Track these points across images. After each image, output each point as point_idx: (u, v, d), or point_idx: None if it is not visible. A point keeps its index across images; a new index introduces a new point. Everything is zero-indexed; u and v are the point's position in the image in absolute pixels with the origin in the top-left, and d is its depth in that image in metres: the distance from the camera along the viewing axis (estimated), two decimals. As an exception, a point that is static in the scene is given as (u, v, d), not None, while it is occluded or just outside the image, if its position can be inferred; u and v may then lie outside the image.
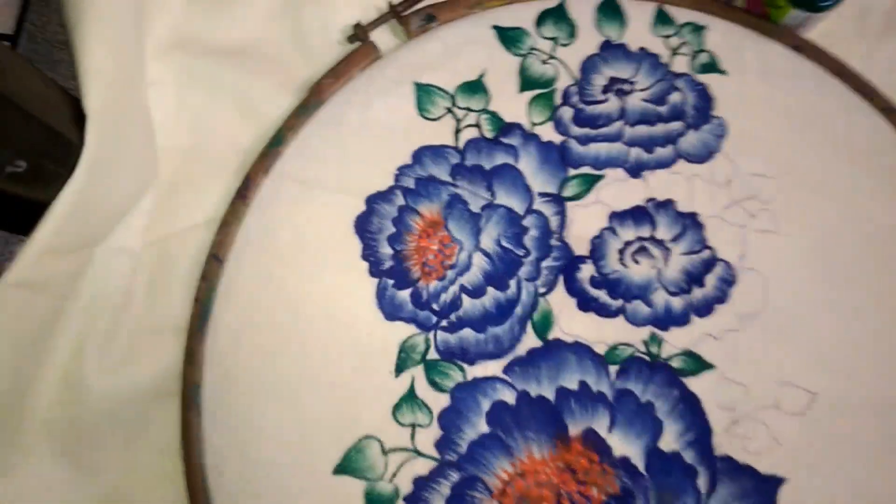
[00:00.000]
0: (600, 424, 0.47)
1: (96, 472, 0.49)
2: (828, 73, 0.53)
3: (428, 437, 0.48)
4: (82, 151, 0.46)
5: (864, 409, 0.47)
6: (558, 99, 0.53)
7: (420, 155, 0.52)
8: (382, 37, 0.55)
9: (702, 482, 0.46)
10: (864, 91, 0.53)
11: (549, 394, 0.48)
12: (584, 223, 0.51)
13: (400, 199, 0.52)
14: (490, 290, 0.50)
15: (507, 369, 0.49)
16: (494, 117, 0.53)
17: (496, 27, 0.54)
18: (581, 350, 0.49)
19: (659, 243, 0.51)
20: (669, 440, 0.47)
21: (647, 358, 0.49)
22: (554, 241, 0.51)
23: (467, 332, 0.50)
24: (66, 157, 0.45)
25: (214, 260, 0.51)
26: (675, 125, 0.53)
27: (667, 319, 0.49)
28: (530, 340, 0.49)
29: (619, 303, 0.50)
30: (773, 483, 0.46)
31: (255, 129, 0.55)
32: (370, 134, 0.53)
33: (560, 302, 0.50)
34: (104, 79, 0.47)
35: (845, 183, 0.51)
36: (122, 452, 0.50)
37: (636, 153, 0.52)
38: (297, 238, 0.51)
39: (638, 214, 0.51)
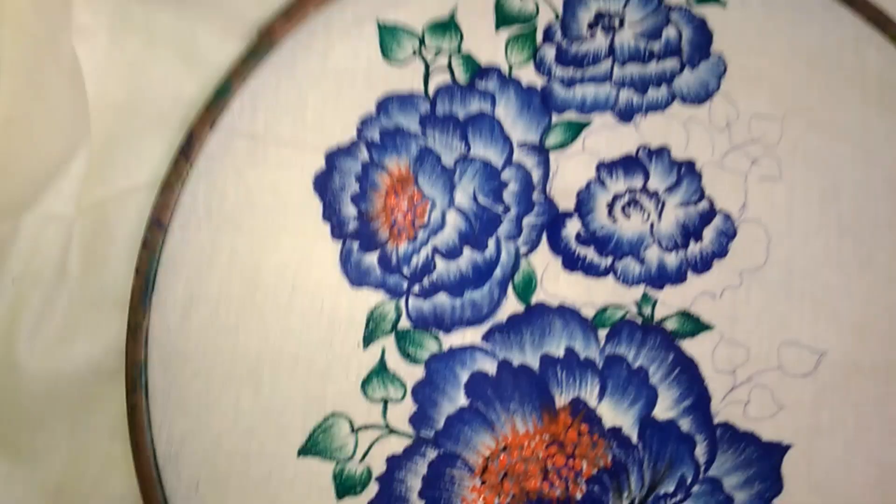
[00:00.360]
0: (589, 393, 0.51)
1: (39, 461, 0.53)
2: (836, 2, 0.56)
3: (401, 413, 0.52)
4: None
5: (875, 368, 0.51)
6: (539, 37, 0.56)
7: (385, 104, 0.55)
8: (339, -30, 0.56)
9: (700, 451, 0.50)
10: (877, 20, 0.55)
11: (533, 362, 0.52)
12: (569, 175, 0.54)
13: (364, 154, 0.54)
14: (466, 250, 0.53)
15: (487, 337, 0.52)
16: (468, 59, 0.55)
17: (468, -43, 0.55)
18: (567, 314, 0.52)
19: (652, 195, 0.54)
20: (664, 408, 0.51)
21: (639, 320, 0.52)
22: (536, 196, 0.54)
23: (442, 298, 0.53)
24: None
25: (156, 226, 0.53)
26: (670, 63, 0.55)
27: (661, 277, 0.53)
28: (511, 305, 0.53)
29: (608, 261, 0.53)
30: (778, 450, 0.50)
31: (199, 79, 0.57)
32: (329, 81, 0.55)
33: (544, 262, 0.53)
34: (21, 27, 0.49)
35: (856, 123, 0.54)
36: (68, 439, 0.53)
37: (626, 95, 0.55)
38: (250, 199, 0.54)
39: (628, 163, 0.54)
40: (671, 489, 0.50)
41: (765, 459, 0.50)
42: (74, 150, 0.56)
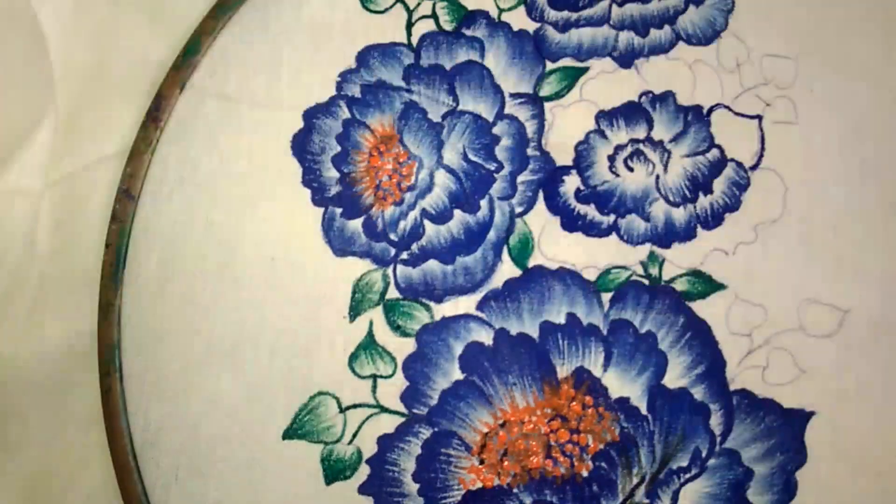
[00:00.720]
0: (593, 362, 0.47)
1: (13, 451, 0.51)
2: (855, -73, 0.52)
3: (392, 390, 0.48)
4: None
5: None
6: None
7: (366, 56, 0.51)
8: (311, -86, 0.53)
9: (715, 421, 0.46)
10: (900, -54, 0.52)
11: (532, 331, 0.48)
12: (566, 127, 0.50)
13: (344, 112, 0.51)
14: (457, 213, 0.50)
15: (482, 305, 0.48)
16: (453, 4, 0.51)
17: None
18: (568, 277, 0.48)
19: (657, 145, 0.49)
20: (675, 375, 0.47)
21: (646, 281, 0.48)
22: (531, 151, 0.50)
23: (432, 265, 0.49)
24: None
25: (126, 197, 0.50)
26: (672, 0, 0.51)
27: (668, 235, 0.48)
28: (507, 269, 0.49)
29: (610, 218, 0.49)
30: (800, 418, 0.46)
31: (167, 39, 0.53)
32: (304, 35, 0.51)
33: (541, 222, 0.49)
34: None
35: (878, 60, 0.50)
36: (42, 427, 0.51)
37: (626, 38, 0.51)
38: (224, 165, 0.50)
39: (630, 112, 0.50)
40: (685, 463, 0.46)
41: (786, 428, 0.46)
42: (39, 120, 0.53)
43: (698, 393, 0.47)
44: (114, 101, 0.54)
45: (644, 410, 0.46)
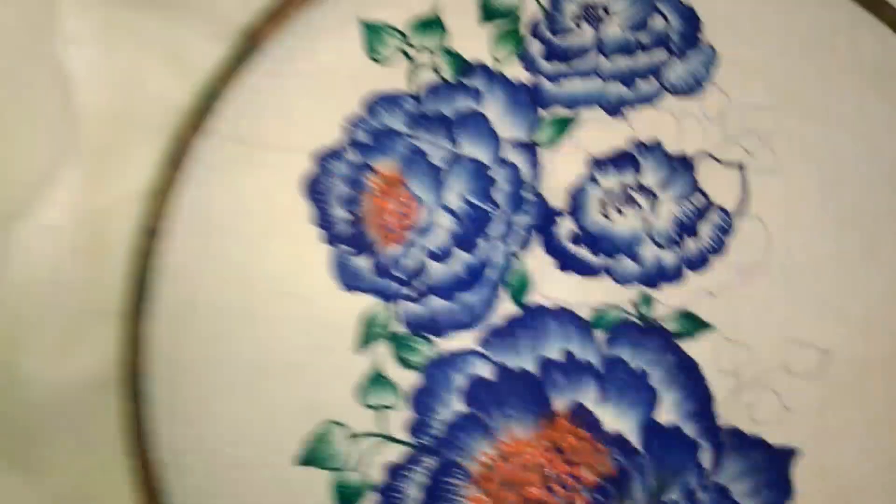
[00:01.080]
0: (589, 397, 0.41)
1: (42, 474, 0.45)
2: (830, -13, 0.45)
3: (398, 420, 0.42)
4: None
5: (885, 365, 0.40)
6: (525, 31, 0.45)
7: (372, 104, 0.45)
8: (322, -29, 0.47)
9: (705, 457, 0.40)
10: (871, 3, 0.44)
11: (531, 366, 0.42)
12: (560, 171, 0.44)
13: (352, 156, 0.44)
14: (458, 252, 0.43)
15: (483, 340, 0.42)
16: (454, 56, 0.45)
17: (451, -49, 0.45)
18: (563, 315, 0.42)
19: (645, 190, 0.43)
20: (667, 412, 0.40)
21: (637, 320, 0.42)
22: (527, 194, 0.44)
23: (435, 301, 0.43)
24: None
25: (149, 234, 0.44)
26: (659, 54, 0.44)
27: (658, 276, 0.42)
28: (506, 307, 0.43)
29: (603, 260, 0.43)
30: (786, 455, 0.40)
31: (188, 85, 0.46)
32: (314, 83, 0.45)
33: (537, 262, 0.43)
34: (6, 34, 0.42)
35: (854, 110, 0.43)
36: (70, 451, 0.45)
37: (616, 89, 0.44)
38: (239, 204, 0.44)
39: (620, 159, 0.44)
40: (677, 497, 0.40)
41: (773, 464, 0.40)
42: (65, 159, 0.46)
43: (688, 429, 0.41)
44: (137, 142, 0.47)
45: (638, 445, 0.41)
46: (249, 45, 0.44)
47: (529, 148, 0.44)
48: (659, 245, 0.42)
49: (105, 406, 0.44)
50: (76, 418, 0.45)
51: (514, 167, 0.44)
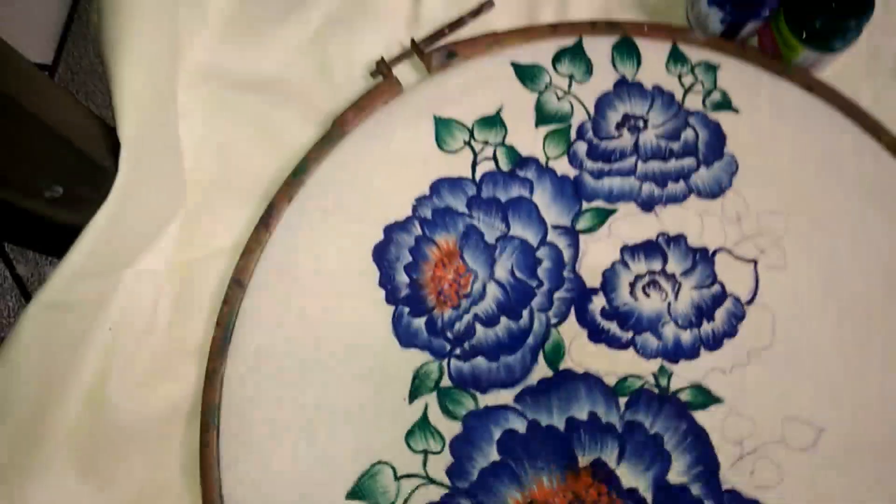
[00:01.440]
0: (609, 456, 0.46)
1: (116, 489, 0.48)
2: (838, 112, 0.52)
3: (440, 464, 0.47)
4: (116, 178, 0.45)
5: (871, 445, 0.46)
6: (573, 134, 0.52)
7: (438, 186, 0.51)
8: (405, 72, 0.55)
9: None
10: (874, 130, 0.52)
11: (560, 424, 0.47)
12: (596, 256, 0.50)
13: (417, 229, 0.51)
14: (503, 319, 0.49)
15: (519, 398, 0.48)
16: (511, 151, 0.52)
17: (514, 64, 0.53)
18: (591, 381, 0.48)
19: (670, 277, 0.49)
20: (677, 473, 0.46)
21: (656, 390, 0.47)
22: (567, 273, 0.50)
23: (480, 361, 0.48)
24: (100, 183, 0.45)
25: (237, 285, 0.50)
26: (688, 161, 0.51)
27: (676, 352, 0.48)
28: (542, 370, 0.48)
29: (629, 335, 0.48)
30: None
31: (279, 159, 0.54)
32: (390, 165, 0.52)
33: (571, 333, 0.49)
34: (138, 108, 0.47)
35: (855, 219, 0.50)
36: (143, 472, 0.49)
37: (649, 188, 0.51)
38: (317, 265, 0.50)
39: (649, 248, 0.50)
40: None
41: None
42: (171, 216, 0.52)
43: (696, 490, 0.46)
44: (230, 205, 0.54)
45: (650, 501, 0.45)
46: (338, 129, 0.52)
47: (571, 233, 0.50)
48: (679, 326, 0.48)
49: (176, 434, 0.49)
50: (152, 444, 0.49)
51: (557, 249, 0.50)
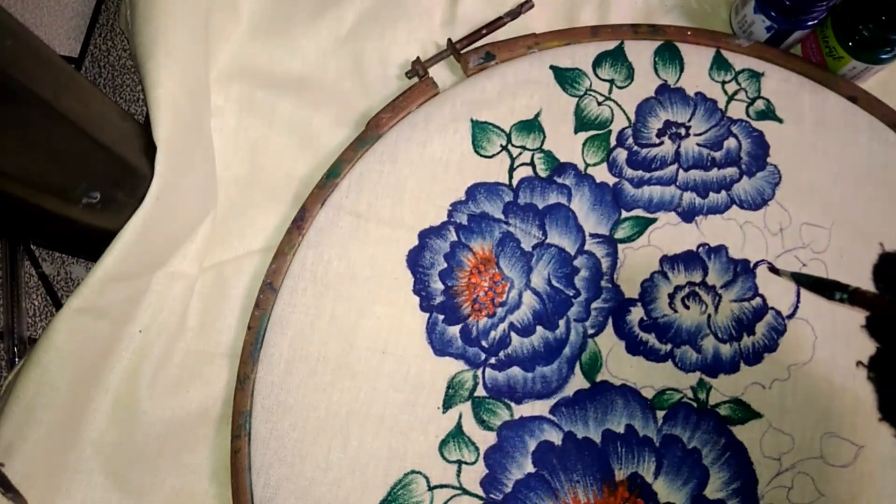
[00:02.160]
0: (646, 470, 0.47)
1: (144, 495, 0.49)
2: (883, 124, 0.52)
3: (474, 475, 0.48)
4: (152, 181, 0.46)
5: None
6: (613, 140, 0.52)
7: (474, 191, 0.52)
8: (441, 73, 0.55)
9: None
10: (919, 141, 0.52)
11: (596, 436, 0.48)
12: (635, 266, 0.51)
13: (452, 235, 0.51)
14: (539, 329, 0.50)
15: (554, 409, 0.48)
16: (549, 156, 0.52)
17: (553, 67, 0.53)
18: (628, 393, 0.48)
19: (710, 289, 0.50)
20: (715, 488, 0.46)
21: (694, 404, 0.48)
22: (604, 283, 0.50)
23: (515, 371, 0.49)
24: (135, 187, 0.46)
25: (269, 288, 0.50)
26: (730, 171, 0.52)
27: (716, 366, 0.49)
28: (578, 381, 0.49)
29: (667, 347, 0.49)
30: None
31: (312, 160, 0.54)
32: (425, 169, 0.52)
33: (609, 344, 0.49)
34: (173, 109, 0.47)
35: None
36: (172, 476, 0.50)
37: (689, 198, 0.52)
38: (351, 270, 0.51)
39: (689, 259, 0.50)
40: None
41: None
42: (203, 218, 0.53)
43: None
44: (262, 207, 0.54)
45: None
46: (372, 131, 0.52)
47: (610, 242, 0.51)
48: (719, 339, 0.49)
49: (206, 439, 0.50)
50: (181, 448, 0.50)
51: (594, 258, 0.51)
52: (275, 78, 0.55)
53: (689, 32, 0.54)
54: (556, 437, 0.48)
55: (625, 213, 0.51)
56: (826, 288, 0.41)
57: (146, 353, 0.50)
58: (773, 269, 0.49)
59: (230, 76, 0.55)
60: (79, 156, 0.42)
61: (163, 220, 0.47)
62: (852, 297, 0.39)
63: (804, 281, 0.44)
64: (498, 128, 0.53)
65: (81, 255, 0.54)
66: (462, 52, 0.54)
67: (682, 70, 0.53)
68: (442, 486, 0.47)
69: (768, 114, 0.52)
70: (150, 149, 0.46)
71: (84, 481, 0.48)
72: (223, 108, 0.55)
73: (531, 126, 0.53)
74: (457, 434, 0.48)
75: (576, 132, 0.53)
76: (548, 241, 0.51)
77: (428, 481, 0.48)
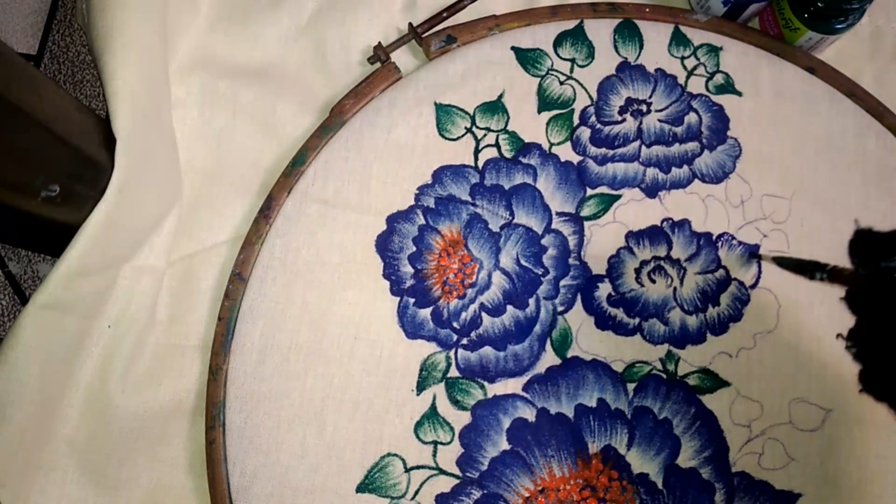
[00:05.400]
0: (619, 442, 0.48)
1: (121, 490, 0.50)
2: (840, 94, 0.54)
3: (450, 455, 0.49)
4: (112, 174, 0.46)
5: (875, 424, 0.48)
6: (576, 119, 0.54)
7: (440, 174, 0.53)
8: (403, 58, 0.56)
9: (719, 498, 0.47)
10: (876, 111, 0.54)
11: (569, 411, 0.49)
12: (601, 242, 0.52)
13: (420, 219, 0.52)
14: (509, 308, 0.51)
15: (527, 387, 0.50)
16: (513, 137, 0.54)
17: (515, 48, 0.55)
18: (599, 368, 0.50)
19: (675, 262, 0.52)
20: (687, 457, 0.48)
21: (664, 376, 0.49)
22: (572, 260, 0.52)
23: (487, 350, 0.50)
24: (96, 180, 0.46)
25: (238, 279, 0.51)
26: (691, 145, 0.53)
27: (683, 337, 0.50)
28: (549, 358, 0.50)
29: (636, 321, 0.51)
30: (789, 499, 0.47)
31: (277, 149, 0.55)
32: (391, 154, 0.53)
33: (578, 320, 0.51)
34: (132, 100, 0.47)
35: (857, 202, 0.52)
36: (148, 470, 0.50)
37: (652, 173, 0.53)
38: (319, 257, 0.52)
39: (654, 234, 0.52)
40: None
41: None
42: (168, 210, 0.53)
43: (705, 473, 0.48)
44: (228, 197, 0.55)
45: (660, 486, 0.48)
46: (336, 117, 0.53)
47: (576, 220, 0.52)
48: (685, 311, 0.51)
49: (180, 430, 0.51)
50: (156, 442, 0.50)
51: (562, 236, 0.52)
52: (237, 68, 0.56)
53: (647, 9, 0.55)
54: (529, 414, 0.49)
55: (590, 191, 0.53)
56: (806, 269, 0.44)
57: (117, 348, 0.51)
58: (755, 255, 0.50)
59: (191, 67, 0.55)
60: (34, 148, 0.42)
61: (126, 212, 0.48)
62: (830, 274, 0.42)
63: (786, 264, 0.47)
64: (462, 110, 0.54)
65: (46, 251, 0.54)
66: (423, 35, 0.55)
67: (641, 47, 0.55)
68: (419, 468, 0.49)
69: (728, 87, 0.54)
70: (110, 141, 0.47)
71: (59, 478, 0.49)
72: (185, 99, 0.55)
73: (495, 107, 0.54)
74: (431, 415, 0.49)
75: (539, 112, 0.54)
76: (515, 221, 0.52)
77: (405, 463, 0.49)
